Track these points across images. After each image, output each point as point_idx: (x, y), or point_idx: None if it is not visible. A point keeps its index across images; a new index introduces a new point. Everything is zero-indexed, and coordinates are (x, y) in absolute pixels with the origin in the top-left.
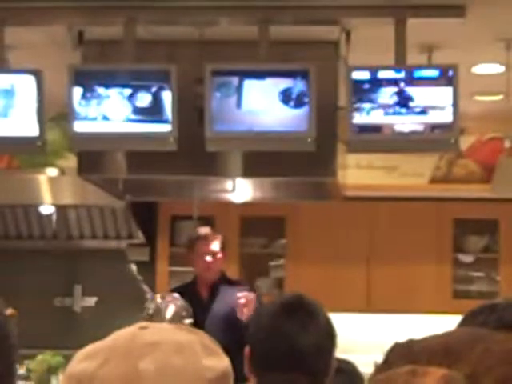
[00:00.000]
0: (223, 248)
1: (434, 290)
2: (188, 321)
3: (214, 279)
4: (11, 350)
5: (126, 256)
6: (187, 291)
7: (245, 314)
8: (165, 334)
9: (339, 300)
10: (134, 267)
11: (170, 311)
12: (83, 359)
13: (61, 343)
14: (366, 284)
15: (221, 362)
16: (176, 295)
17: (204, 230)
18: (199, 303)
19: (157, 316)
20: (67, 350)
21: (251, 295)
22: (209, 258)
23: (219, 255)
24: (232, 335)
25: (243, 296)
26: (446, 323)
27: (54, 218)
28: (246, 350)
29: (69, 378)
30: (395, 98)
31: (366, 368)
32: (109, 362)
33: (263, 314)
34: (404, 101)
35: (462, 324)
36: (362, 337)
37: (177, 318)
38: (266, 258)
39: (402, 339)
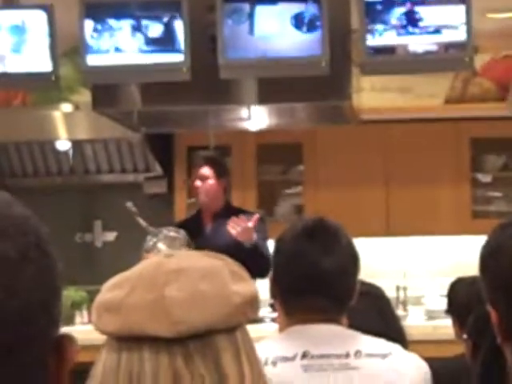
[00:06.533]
0: (219, 176)
1: (452, 211)
2: None
3: (214, 208)
4: (56, 274)
5: (144, 189)
6: (191, 223)
7: (245, 238)
8: (191, 261)
9: (358, 225)
10: (129, 204)
11: (163, 246)
12: (111, 289)
13: (83, 279)
14: (385, 207)
15: (248, 287)
16: (173, 229)
17: (198, 158)
18: (202, 234)
19: (152, 251)
20: (90, 285)
21: (248, 219)
22: (198, 183)
23: (208, 181)
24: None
25: (234, 223)
26: (466, 244)
27: (71, 153)
28: (270, 275)
29: (97, 308)
30: (408, 19)
31: (388, 292)
32: (135, 291)
33: (285, 239)
34: (417, 21)
35: (491, 237)
36: (382, 261)
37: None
38: (283, 184)
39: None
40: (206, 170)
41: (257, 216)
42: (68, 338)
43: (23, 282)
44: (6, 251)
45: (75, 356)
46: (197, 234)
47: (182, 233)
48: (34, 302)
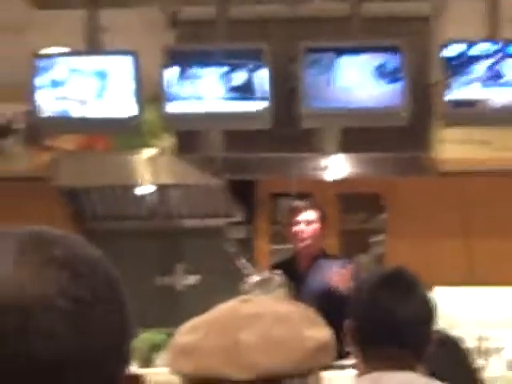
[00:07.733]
0: (321, 220)
1: None
2: None
3: (313, 253)
4: (126, 315)
5: (225, 234)
6: (287, 266)
7: (342, 285)
8: (265, 306)
9: (441, 275)
10: (231, 245)
11: (267, 288)
12: (186, 332)
13: (163, 322)
14: (467, 258)
15: (322, 332)
16: (277, 271)
17: (298, 202)
18: (298, 278)
19: (254, 293)
20: (170, 328)
21: (347, 268)
22: (301, 227)
23: (313, 225)
24: (328, 310)
25: (338, 270)
26: None
27: (154, 197)
28: (347, 323)
29: (173, 350)
30: (488, 73)
31: (469, 342)
32: (210, 334)
33: (363, 287)
34: (498, 75)
35: None
36: (464, 310)
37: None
38: (365, 233)
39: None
40: (311, 215)
41: (353, 266)
42: (136, 378)
43: (93, 322)
44: (78, 291)
45: None
46: (292, 276)
47: (280, 274)
48: (104, 342)
